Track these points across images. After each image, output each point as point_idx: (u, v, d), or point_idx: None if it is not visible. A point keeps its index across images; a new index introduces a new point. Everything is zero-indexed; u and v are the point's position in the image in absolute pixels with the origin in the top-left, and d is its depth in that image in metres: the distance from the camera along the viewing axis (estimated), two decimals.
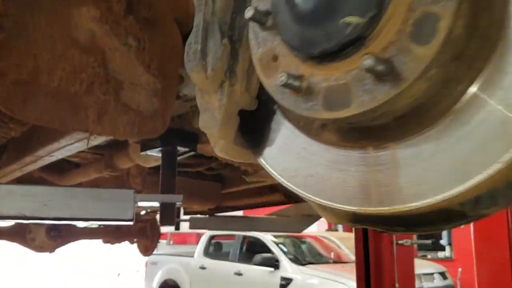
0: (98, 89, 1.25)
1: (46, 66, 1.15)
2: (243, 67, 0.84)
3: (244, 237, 10.80)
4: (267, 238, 10.18)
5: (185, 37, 1.59)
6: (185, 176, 4.17)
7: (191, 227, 4.87)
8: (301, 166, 0.78)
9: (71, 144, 1.76)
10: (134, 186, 3.06)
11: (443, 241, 11.90)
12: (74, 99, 1.22)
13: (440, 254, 12.02)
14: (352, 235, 13.56)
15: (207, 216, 4.70)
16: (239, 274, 10.11)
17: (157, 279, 12.03)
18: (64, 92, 1.18)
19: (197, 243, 13.33)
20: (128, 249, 6.29)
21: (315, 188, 0.76)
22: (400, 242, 4.57)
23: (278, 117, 0.86)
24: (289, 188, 0.84)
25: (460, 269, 11.23)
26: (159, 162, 2.65)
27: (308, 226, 4.97)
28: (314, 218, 5.01)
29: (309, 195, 0.78)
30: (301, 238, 10.94)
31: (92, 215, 1.90)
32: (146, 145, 2.05)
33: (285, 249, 10.00)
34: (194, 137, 2.08)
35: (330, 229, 14.16)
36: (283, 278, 9.22)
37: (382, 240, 4.51)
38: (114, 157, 3.03)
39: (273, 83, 0.75)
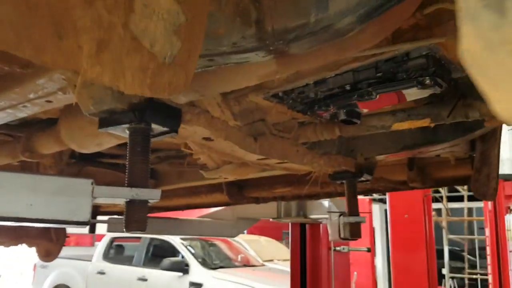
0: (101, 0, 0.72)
1: None
2: None
3: (151, 240, 10.03)
4: (176, 240, 9.55)
5: None
6: (110, 169, 3.53)
7: (110, 230, 4.18)
8: None
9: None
10: None
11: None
12: (60, 13, 0.67)
13: None
14: (258, 238, 13.33)
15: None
16: (144, 279, 9.34)
17: (48, 284, 10.74)
18: None
19: (92, 245, 12.17)
20: (9, 248, 5.29)
21: None
22: (337, 248, 4.32)
23: None
24: None
25: (355, 273, 11.52)
26: (107, 145, 2.05)
27: (243, 230, 4.54)
28: (250, 221, 4.61)
29: None
30: (210, 241, 10.45)
31: (27, 213, 1.31)
32: (107, 120, 1.48)
33: (194, 252, 9.44)
34: (176, 114, 1.55)
35: None
36: (192, 283, 8.67)
37: (320, 247, 4.24)
38: (34, 138, 2.35)
39: None
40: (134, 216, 1.42)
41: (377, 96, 1.75)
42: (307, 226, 4.28)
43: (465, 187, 12.74)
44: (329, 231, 3.41)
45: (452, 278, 12.45)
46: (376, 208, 13.52)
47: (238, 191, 3.56)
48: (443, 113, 1.94)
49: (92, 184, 1.37)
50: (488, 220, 9.23)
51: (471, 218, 13.07)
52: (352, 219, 2.51)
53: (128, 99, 1.42)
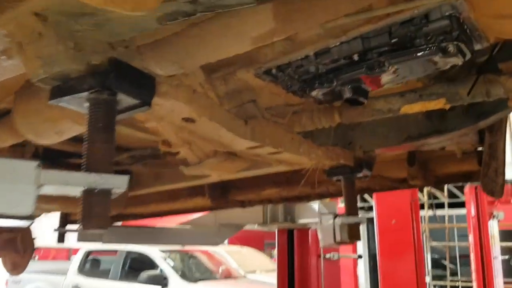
0: None
1: None
2: None
3: (128, 253, 9.55)
4: (155, 253, 9.10)
5: None
6: (76, 170, 3.15)
7: (80, 239, 3.80)
8: None
9: None
10: None
11: None
12: None
13: None
14: (239, 248, 12.95)
15: None
16: None
17: None
18: None
19: (68, 259, 11.63)
20: None
21: None
22: (327, 256, 4.02)
23: None
24: None
25: None
26: (69, 133, 1.72)
27: (227, 238, 4.20)
28: (233, 228, 4.27)
29: None
30: (190, 252, 10.03)
31: None
32: (60, 89, 1.15)
33: (173, 265, 9.00)
34: (149, 82, 1.24)
35: None
36: None
37: (309, 254, 3.93)
38: None
39: None
40: (93, 209, 1.09)
41: (390, 68, 1.46)
42: (295, 232, 3.97)
43: (446, 194, 12.65)
44: (320, 237, 3.11)
45: (434, 286, 12.27)
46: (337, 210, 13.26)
47: (221, 194, 3.22)
48: (461, 91, 1.67)
49: (38, 167, 1.04)
50: (472, 226, 9.07)
51: (454, 225, 12.95)
52: (351, 219, 2.22)
53: (86, 58, 1.10)
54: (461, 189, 14.01)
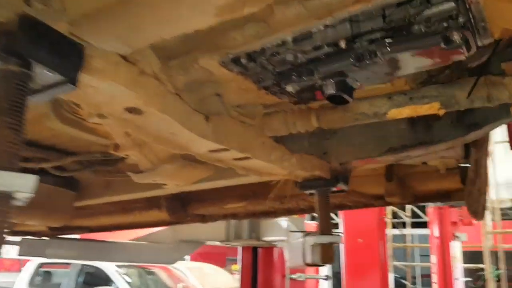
0: None
1: None
2: None
3: (82, 266, 8.95)
4: (110, 268, 8.56)
5: None
6: None
7: (22, 253, 3.38)
8: None
9: None
10: None
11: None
12: None
13: None
14: (200, 265, 12.50)
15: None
16: None
17: None
18: None
19: (19, 270, 11.00)
20: None
21: None
22: (293, 276, 3.73)
23: None
24: None
25: None
26: None
27: (185, 255, 3.85)
28: (193, 245, 3.92)
29: None
30: (148, 268, 9.53)
31: None
32: None
33: (130, 281, 8.49)
34: (75, 52, 0.93)
35: None
36: None
37: (274, 274, 3.63)
38: None
39: None
40: None
41: (383, 60, 1.21)
42: (259, 250, 3.66)
43: (408, 213, 12.65)
44: (287, 256, 2.82)
45: None
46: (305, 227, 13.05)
47: (180, 207, 2.90)
48: (458, 94, 1.43)
49: None
50: (435, 247, 9.01)
51: (417, 245, 12.94)
52: (325, 239, 1.94)
53: None
54: (422, 209, 14.09)
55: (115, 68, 1.00)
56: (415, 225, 13.38)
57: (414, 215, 13.62)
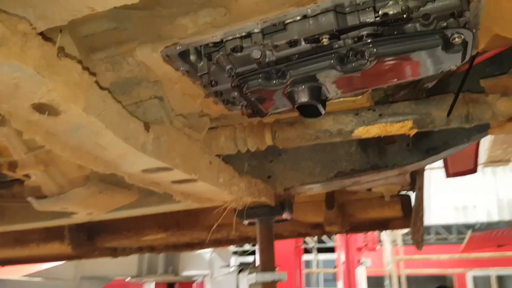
0: None
1: None
2: None
3: None
4: None
5: None
6: None
7: None
8: None
9: None
10: None
11: None
12: None
13: None
14: None
15: None
16: None
17: None
18: None
19: None
20: None
21: None
22: None
23: None
24: None
25: None
26: None
27: None
28: (98, 282, 3.38)
29: None
30: None
31: None
32: None
33: None
34: None
35: None
36: None
37: None
38: None
39: None
40: None
41: (372, 63, 0.99)
42: (176, 286, 3.23)
43: (315, 238, 12.82)
44: None
45: None
46: (232, 260, 12.70)
47: (87, 239, 2.43)
48: (434, 112, 1.26)
49: None
50: (341, 272, 9.10)
51: (325, 270, 13.11)
52: (269, 276, 1.66)
53: None
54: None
55: (22, 41, 0.65)
56: (321, 250, 13.60)
57: (320, 240, 13.85)
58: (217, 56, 1.03)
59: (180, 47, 0.99)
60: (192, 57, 1.06)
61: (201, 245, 2.41)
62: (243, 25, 0.95)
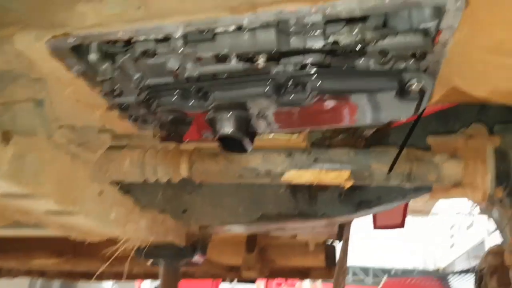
0: None
1: None
2: None
3: None
4: None
5: None
6: None
7: None
8: None
9: None
10: None
11: None
12: None
13: None
14: None
15: None
16: None
17: None
18: None
19: None
20: None
21: None
22: None
23: None
24: None
25: None
26: None
27: None
28: None
29: None
30: None
31: None
32: None
33: None
34: None
35: None
36: None
37: None
38: None
39: None
40: None
41: (313, 99, 0.80)
42: None
43: None
44: None
45: None
46: None
47: None
48: (373, 165, 1.09)
49: None
50: None
51: None
52: None
53: None
54: None
55: None
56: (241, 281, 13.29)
57: None
58: (122, 59, 0.79)
59: (74, 39, 0.74)
60: (92, 56, 0.81)
61: (100, 276, 2.08)
62: (160, 24, 0.73)
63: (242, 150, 0.87)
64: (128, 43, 0.78)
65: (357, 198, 1.48)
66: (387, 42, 0.76)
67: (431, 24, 0.77)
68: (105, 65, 0.84)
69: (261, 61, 0.75)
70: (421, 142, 1.15)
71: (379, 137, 1.47)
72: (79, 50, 0.80)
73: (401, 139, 1.38)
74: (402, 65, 0.80)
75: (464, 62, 0.81)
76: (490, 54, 0.77)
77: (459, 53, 0.80)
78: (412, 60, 0.78)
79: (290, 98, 0.79)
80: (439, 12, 0.73)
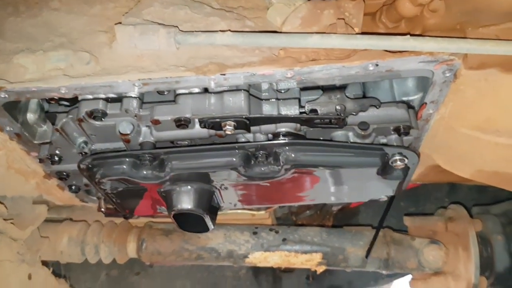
0: None
1: None
2: None
3: None
4: None
5: None
6: None
7: None
8: None
9: None
10: None
11: None
12: None
13: None
14: None
15: None
16: None
17: None
18: None
19: None
20: None
21: None
22: None
23: None
24: None
25: None
26: None
27: None
28: None
29: None
30: None
31: None
32: None
33: None
34: None
35: None
36: None
37: None
38: None
39: None
40: None
41: (287, 172, 0.70)
42: None
43: None
44: None
45: None
46: None
47: None
48: (349, 249, 0.98)
49: None
50: None
51: None
52: None
53: None
54: None
55: None
56: None
57: None
58: (64, 120, 0.67)
59: (6, 95, 0.63)
60: (30, 116, 0.69)
61: None
62: (111, 82, 0.62)
63: (203, 228, 0.75)
64: (73, 101, 0.67)
65: (326, 281, 1.36)
66: (368, 114, 0.69)
67: (415, 97, 0.71)
68: (44, 126, 0.71)
69: (228, 128, 0.65)
70: (393, 222, 1.06)
71: (347, 214, 1.38)
72: (14, 108, 0.68)
73: (372, 217, 1.29)
74: (383, 139, 0.72)
75: (448, 139, 0.75)
76: (476, 132, 0.71)
77: (443, 129, 0.74)
78: (395, 135, 0.71)
79: (261, 170, 0.69)
80: (425, 84, 0.67)
